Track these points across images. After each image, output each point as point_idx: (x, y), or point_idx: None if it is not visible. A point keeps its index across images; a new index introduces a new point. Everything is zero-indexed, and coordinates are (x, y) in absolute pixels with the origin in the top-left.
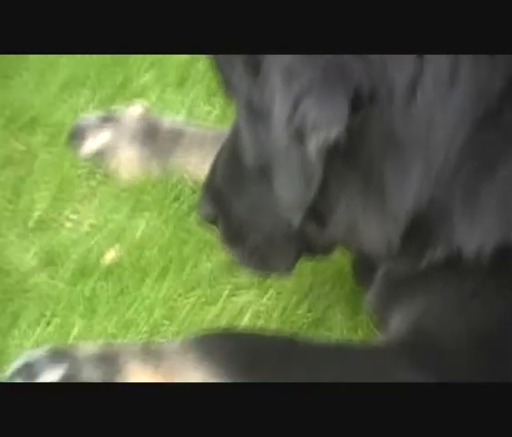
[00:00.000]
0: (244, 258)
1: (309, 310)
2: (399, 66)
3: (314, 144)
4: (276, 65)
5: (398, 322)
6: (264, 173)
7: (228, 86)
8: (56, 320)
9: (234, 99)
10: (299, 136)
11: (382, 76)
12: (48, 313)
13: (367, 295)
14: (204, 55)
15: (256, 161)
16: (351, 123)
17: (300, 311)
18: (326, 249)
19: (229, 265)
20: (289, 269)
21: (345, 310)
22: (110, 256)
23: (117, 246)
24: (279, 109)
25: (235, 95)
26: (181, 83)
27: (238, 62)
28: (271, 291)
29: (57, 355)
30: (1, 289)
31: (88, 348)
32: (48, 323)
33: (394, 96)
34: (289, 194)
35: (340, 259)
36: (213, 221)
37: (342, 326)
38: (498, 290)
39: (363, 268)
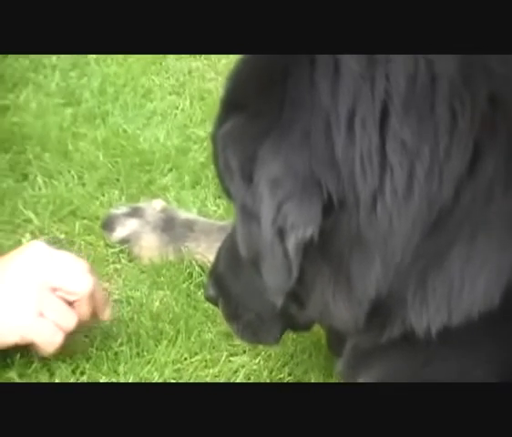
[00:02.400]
0: (239, 331)
1: (289, 374)
2: (364, 180)
3: (293, 241)
4: (264, 176)
5: None
6: (255, 263)
7: (227, 193)
8: (83, 378)
9: (233, 202)
10: (281, 234)
11: (350, 187)
12: (78, 371)
13: (338, 362)
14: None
15: (248, 253)
16: (323, 224)
17: (283, 374)
18: (305, 325)
19: (226, 335)
20: (275, 340)
21: (320, 375)
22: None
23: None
24: (266, 212)
25: (233, 199)
26: (194, 186)
27: (235, 174)
28: (260, 357)
29: None
30: None
31: None
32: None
33: (359, 204)
34: (273, 281)
35: (317, 332)
36: (216, 300)
37: None
38: (444, 361)
39: (336, 340)
